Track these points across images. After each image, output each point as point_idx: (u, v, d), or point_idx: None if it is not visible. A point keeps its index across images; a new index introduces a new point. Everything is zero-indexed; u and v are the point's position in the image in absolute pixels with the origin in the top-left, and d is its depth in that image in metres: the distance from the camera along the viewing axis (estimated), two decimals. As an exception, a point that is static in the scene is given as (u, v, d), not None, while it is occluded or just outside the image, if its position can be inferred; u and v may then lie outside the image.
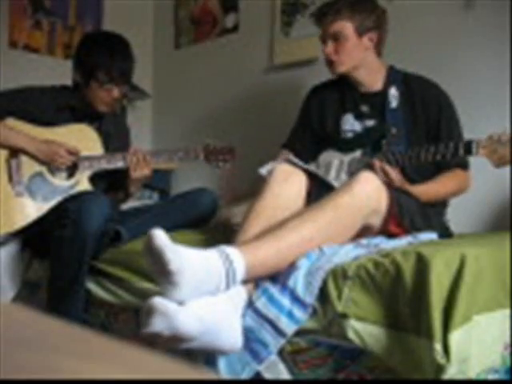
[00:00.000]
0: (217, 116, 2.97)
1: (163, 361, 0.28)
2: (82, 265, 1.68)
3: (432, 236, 1.49)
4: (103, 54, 1.90)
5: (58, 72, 2.29)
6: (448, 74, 1.99)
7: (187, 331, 1.07)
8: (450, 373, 1.03)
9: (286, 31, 2.63)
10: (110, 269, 1.73)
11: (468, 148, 1.48)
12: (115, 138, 2.09)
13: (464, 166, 1.73)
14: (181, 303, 1.10)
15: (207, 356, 1.24)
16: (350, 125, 1.82)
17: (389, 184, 1.47)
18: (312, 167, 1.69)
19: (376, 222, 1.42)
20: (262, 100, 2.76)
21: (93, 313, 1.78)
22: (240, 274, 1.17)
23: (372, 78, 1.81)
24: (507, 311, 1.23)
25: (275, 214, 1.37)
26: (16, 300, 1.90)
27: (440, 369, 1.03)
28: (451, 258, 1.14)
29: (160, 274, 1.10)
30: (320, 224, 1.27)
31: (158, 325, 1.06)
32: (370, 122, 1.80)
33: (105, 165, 1.92)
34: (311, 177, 1.51)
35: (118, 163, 1.92)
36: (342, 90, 1.87)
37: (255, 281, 1.27)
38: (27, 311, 0.36)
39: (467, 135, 1.74)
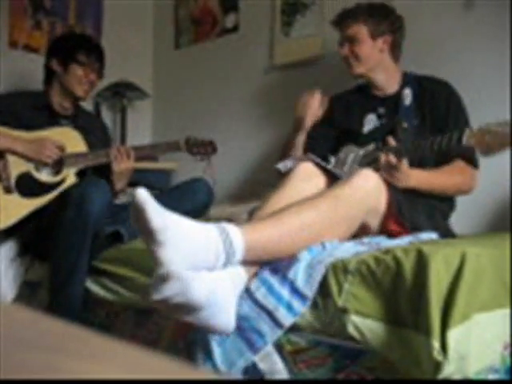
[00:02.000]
0: (217, 116, 2.97)
1: (163, 361, 0.28)
2: (82, 252, 1.69)
3: (432, 236, 1.49)
4: (83, 41, 2.14)
5: (58, 72, 2.29)
6: (448, 73, 1.99)
7: (198, 299, 1.06)
8: (448, 370, 1.03)
9: (286, 31, 2.63)
10: (111, 267, 1.73)
11: (459, 137, 1.48)
12: (91, 133, 2.14)
13: (471, 161, 1.74)
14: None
15: (204, 347, 1.24)
16: (373, 123, 1.90)
17: (390, 176, 1.48)
18: (332, 165, 1.79)
19: (374, 221, 1.42)
20: (262, 100, 2.76)
21: (93, 312, 1.78)
22: (239, 251, 1.16)
23: (388, 81, 1.91)
24: (507, 311, 1.23)
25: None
26: (16, 300, 1.90)
27: (438, 365, 1.03)
28: (451, 256, 1.15)
29: (143, 232, 1.09)
30: (320, 210, 1.28)
31: (170, 290, 1.05)
32: (387, 121, 1.88)
33: (90, 161, 1.98)
34: (330, 177, 1.53)
35: (102, 159, 1.98)
36: (362, 94, 1.99)
37: (255, 270, 1.27)
38: (27, 311, 0.36)
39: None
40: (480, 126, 1.45)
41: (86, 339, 0.32)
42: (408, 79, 1.91)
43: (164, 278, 1.06)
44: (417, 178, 1.60)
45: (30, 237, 1.88)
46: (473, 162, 1.75)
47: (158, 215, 1.07)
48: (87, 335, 0.32)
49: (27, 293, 1.95)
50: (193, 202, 1.97)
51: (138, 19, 3.22)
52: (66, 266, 1.70)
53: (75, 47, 2.08)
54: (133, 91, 2.93)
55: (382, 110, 1.91)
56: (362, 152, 1.79)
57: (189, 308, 1.08)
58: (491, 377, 1.17)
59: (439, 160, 1.73)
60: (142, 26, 3.24)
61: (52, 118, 2.06)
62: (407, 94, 1.86)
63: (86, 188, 1.69)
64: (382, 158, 1.53)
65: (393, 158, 1.52)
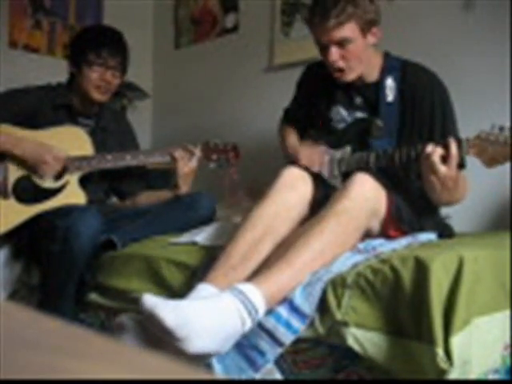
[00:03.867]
0: (216, 116, 2.97)
1: (163, 361, 0.28)
2: (69, 283, 1.67)
3: (431, 236, 1.48)
4: (93, 37, 1.94)
5: (57, 72, 2.28)
6: (448, 74, 1.99)
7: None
8: (452, 376, 1.03)
9: (286, 31, 2.63)
10: (108, 282, 1.72)
11: (459, 145, 1.39)
12: (116, 134, 2.06)
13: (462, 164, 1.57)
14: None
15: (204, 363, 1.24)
16: (341, 116, 1.74)
17: (387, 186, 1.45)
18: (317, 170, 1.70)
19: (375, 225, 1.41)
20: (262, 100, 2.76)
21: (93, 313, 1.77)
22: (262, 309, 1.14)
23: (369, 69, 1.67)
24: (507, 312, 1.23)
25: (272, 223, 1.36)
26: (16, 300, 1.90)
27: (442, 373, 1.03)
28: (449, 261, 1.14)
29: (162, 334, 1.05)
30: (327, 234, 1.25)
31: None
32: (361, 115, 1.71)
33: (95, 166, 1.88)
34: (316, 180, 1.51)
35: (109, 164, 1.88)
36: (334, 79, 1.70)
37: None
38: (27, 311, 0.36)
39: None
40: (478, 134, 1.39)
41: (86, 339, 0.32)
42: (391, 66, 1.68)
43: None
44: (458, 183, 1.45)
45: (25, 241, 1.83)
46: (463, 164, 1.58)
47: (170, 313, 1.04)
48: (87, 335, 0.32)
49: (27, 293, 1.95)
50: (195, 217, 1.88)
51: (138, 19, 3.22)
52: (53, 293, 1.69)
53: (85, 46, 1.90)
54: (133, 91, 2.93)
55: (358, 101, 1.71)
56: (338, 155, 1.68)
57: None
58: (491, 377, 1.17)
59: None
60: (142, 25, 3.24)
61: (72, 117, 1.95)
62: (390, 86, 1.64)
63: (73, 222, 1.61)
64: (436, 151, 1.38)
65: (455, 151, 1.37)
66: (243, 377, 1.19)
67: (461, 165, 1.54)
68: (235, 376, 1.19)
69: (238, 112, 2.87)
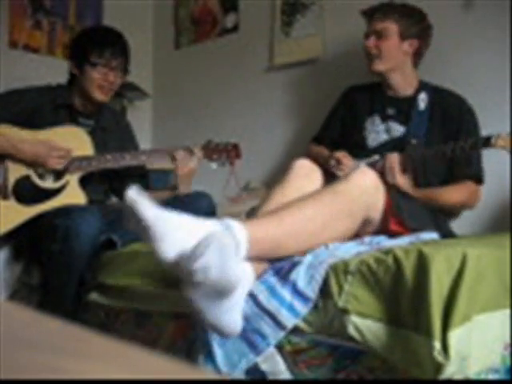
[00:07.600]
0: (217, 116, 2.96)
1: (163, 361, 0.28)
2: (71, 277, 1.67)
3: (433, 236, 1.49)
4: (96, 38, 1.95)
5: (57, 72, 2.28)
6: (447, 74, 1.99)
7: (234, 278, 1.07)
8: (450, 371, 1.03)
9: (286, 31, 2.63)
10: (109, 280, 1.72)
11: (487, 141, 1.52)
12: (116, 134, 2.06)
13: (477, 179, 1.78)
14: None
15: (205, 348, 1.24)
16: (375, 126, 1.88)
17: (388, 184, 1.47)
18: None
19: (376, 215, 1.42)
20: (262, 100, 2.76)
21: (93, 313, 1.77)
22: (243, 244, 1.15)
23: (405, 84, 1.89)
24: (507, 311, 1.23)
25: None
26: (16, 300, 1.90)
27: (439, 367, 1.03)
28: (452, 257, 1.14)
29: (139, 228, 1.07)
30: (320, 205, 1.30)
31: (211, 255, 1.03)
32: (395, 126, 1.85)
33: (95, 166, 1.88)
34: (327, 175, 1.57)
35: (108, 164, 1.88)
36: (373, 92, 1.95)
37: (260, 272, 1.26)
38: (27, 311, 0.36)
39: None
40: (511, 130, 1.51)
41: (86, 339, 0.32)
42: (424, 86, 1.90)
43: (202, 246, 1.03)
44: (418, 193, 1.67)
45: (25, 242, 1.83)
46: (480, 179, 1.78)
47: (151, 209, 1.06)
48: (87, 335, 0.32)
49: (27, 293, 1.95)
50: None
51: (138, 19, 3.22)
52: (53, 293, 1.70)
53: (87, 47, 1.91)
54: (133, 91, 2.92)
55: (391, 111, 1.89)
56: (364, 162, 1.78)
57: (222, 286, 1.05)
58: (491, 377, 1.17)
59: (446, 180, 1.78)
60: (142, 25, 3.24)
61: (72, 117, 1.95)
62: (423, 98, 1.85)
63: (73, 221, 1.61)
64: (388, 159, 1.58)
65: (404, 180, 1.63)
66: (244, 361, 1.20)
67: (479, 180, 1.79)
68: (236, 360, 1.19)
69: (238, 112, 2.87)
